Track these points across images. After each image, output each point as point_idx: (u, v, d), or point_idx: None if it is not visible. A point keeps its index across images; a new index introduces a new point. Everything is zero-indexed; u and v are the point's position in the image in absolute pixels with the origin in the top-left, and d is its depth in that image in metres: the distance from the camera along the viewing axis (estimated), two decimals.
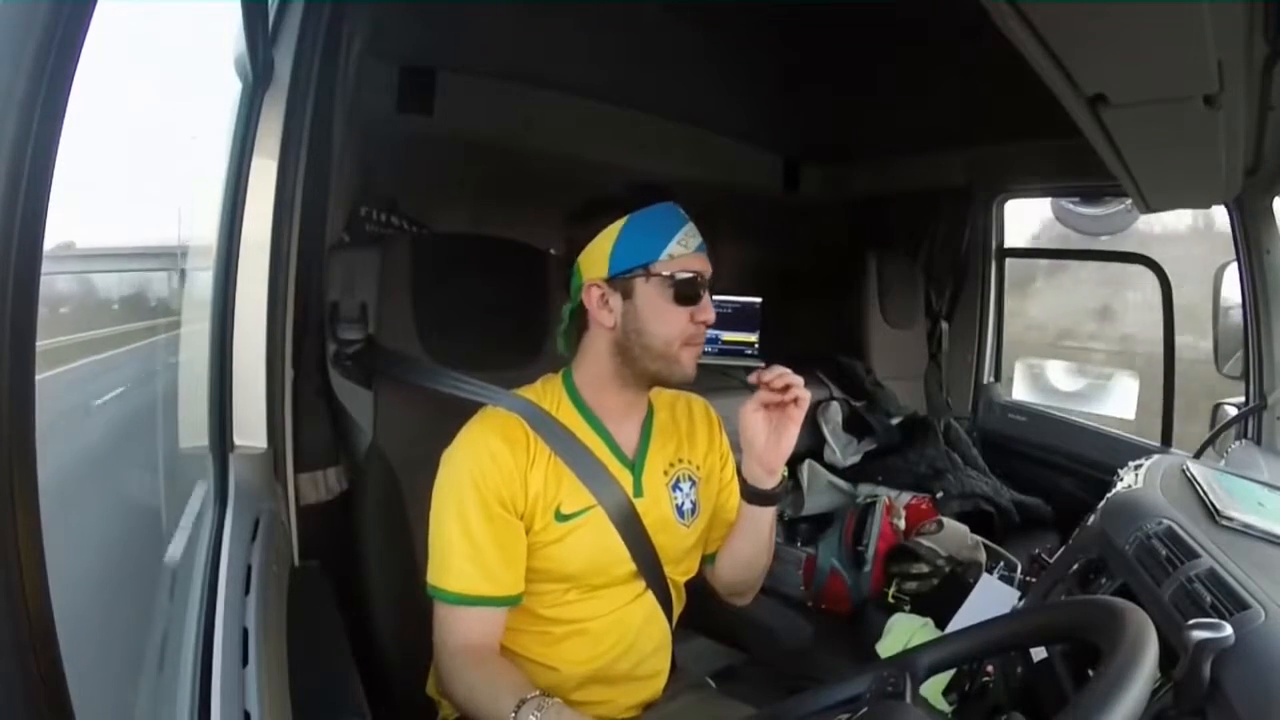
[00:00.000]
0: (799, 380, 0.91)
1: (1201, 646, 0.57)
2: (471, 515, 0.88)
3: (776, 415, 0.93)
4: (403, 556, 1.06)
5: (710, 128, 2.13)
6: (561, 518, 0.91)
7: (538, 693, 0.81)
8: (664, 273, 0.90)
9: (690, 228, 0.92)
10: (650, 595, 0.98)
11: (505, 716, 0.79)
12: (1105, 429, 2.19)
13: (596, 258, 0.91)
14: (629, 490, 0.95)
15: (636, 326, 0.91)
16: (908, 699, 0.62)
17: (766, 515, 1.00)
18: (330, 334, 1.12)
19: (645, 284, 0.90)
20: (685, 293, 0.90)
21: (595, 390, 0.96)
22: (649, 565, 0.96)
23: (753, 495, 0.97)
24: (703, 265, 0.92)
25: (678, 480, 1.00)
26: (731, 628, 1.20)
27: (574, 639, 0.95)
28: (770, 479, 0.96)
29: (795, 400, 0.91)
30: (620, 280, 0.91)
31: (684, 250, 0.90)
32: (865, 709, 0.61)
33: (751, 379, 0.92)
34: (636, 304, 0.91)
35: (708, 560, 1.07)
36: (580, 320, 0.95)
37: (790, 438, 0.93)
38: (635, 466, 0.97)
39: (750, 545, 1.02)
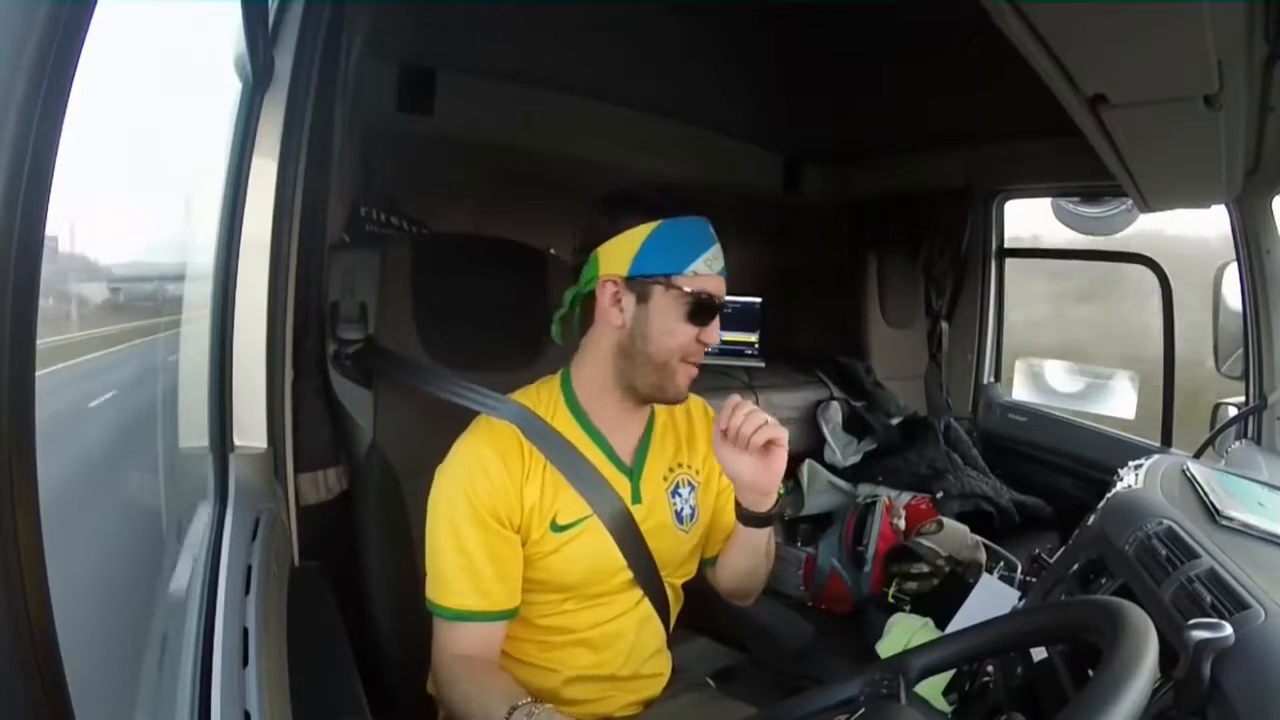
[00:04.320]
0: (759, 419, 0.87)
1: (1201, 646, 0.56)
2: (465, 530, 0.87)
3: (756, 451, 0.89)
4: (403, 556, 1.06)
5: (710, 128, 2.13)
6: (558, 528, 0.90)
7: (528, 699, 0.81)
8: (685, 288, 0.88)
9: (718, 249, 0.91)
10: (646, 602, 0.97)
11: None
12: (1105, 429, 2.19)
13: (620, 254, 0.88)
14: (626, 498, 0.93)
15: (644, 333, 0.89)
16: (902, 699, 0.62)
17: (763, 532, 0.97)
18: (330, 334, 1.11)
19: (664, 293, 0.88)
20: (700, 312, 0.89)
21: (592, 395, 0.94)
22: (646, 573, 0.96)
23: (748, 518, 0.95)
24: (720, 289, 0.91)
25: (677, 486, 0.99)
26: (731, 628, 1.20)
27: (572, 648, 0.94)
28: (765, 500, 0.93)
29: (770, 442, 0.87)
30: (639, 283, 0.89)
31: (708, 270, 0.89)
32: (861, 710, 0.61)
33: (720, 425, 0.89)
34: (650, 311, 0.89)
35: (708, 563, 1.06)
36: (586, 313, 0.93)
37: (780, 461, 0.90)
38: (633, 473, 0.96)
39: (749, 559, 1.01)
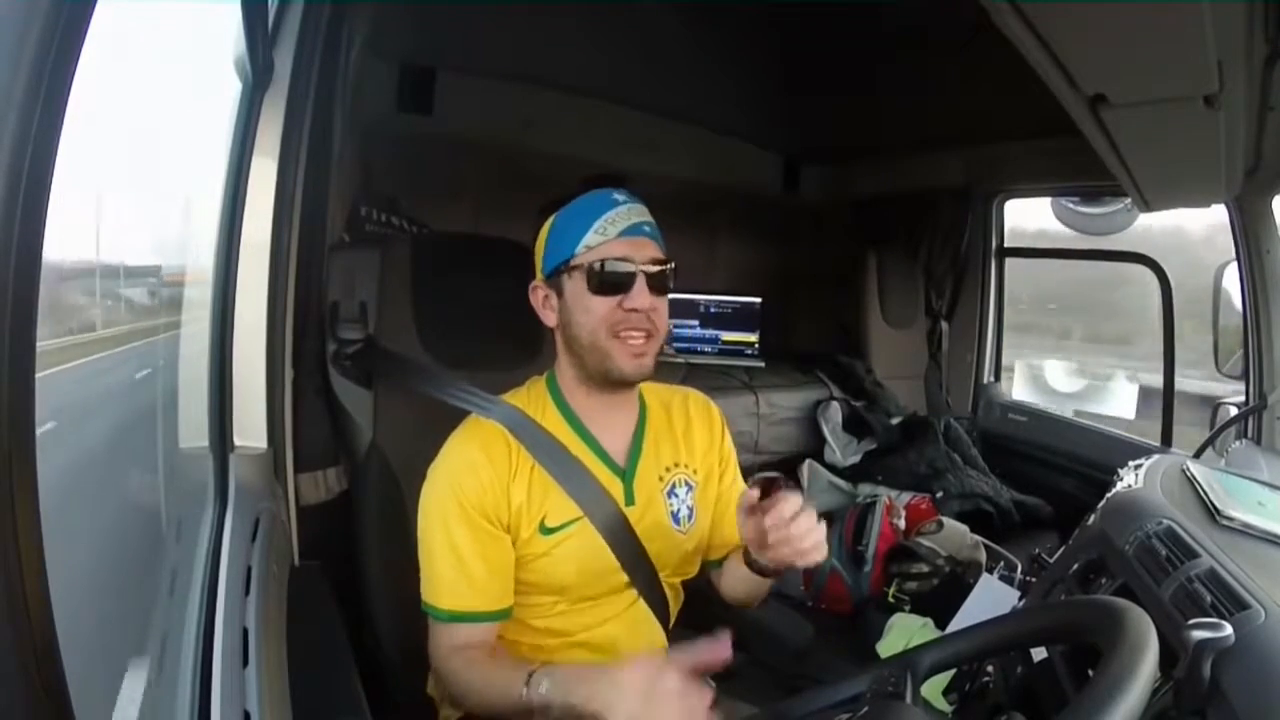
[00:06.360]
0: (818, 536, 0.80)
1: (1201, 646, 0.56)
2: (456, 530, 0.87)
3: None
4: (403, 556, 1.05)
5: (710, 127, 2.13)
6: (546, 530, 0.89)
7: (540, 663, 0.81)
8: (581, 264, 0.87)
9: (618, 212, 0.87)
10: (642, 603, 0.96)
11: (518, 693, 0.78)
12: (1105, 429, 2.19)
13: (537, 258, 0.92)
14: (620, 499, 0.92)
15: (569, 320, 0.90)
16: (908, 699, 0.62)
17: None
18: (330, 334, 1.11)
19: (569, 279, 0.89)
20: (605, 281, 0.87)
21: (572, 393, 0.94)
22: (642, 575, 0.95)
23: (755, 568, 0.90)
24: (629, 249, 0.87)
25: (673, 486, 0.97)
26: (731, 628, 1.20)
27: (568, 651, 0.94)
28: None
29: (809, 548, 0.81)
30: (553, 279, 0.90)
31: (602, 238, 0.87)
32: (866, 709, 0.61)
33: (752, 492, 0.82)
34: (566, 300, 0.90)
35: (712, 565, 1.04)
36: None
37: (808, 562, 0.83)
38: (626, 474, 0.94)
39: (751, 587, 0.98)
